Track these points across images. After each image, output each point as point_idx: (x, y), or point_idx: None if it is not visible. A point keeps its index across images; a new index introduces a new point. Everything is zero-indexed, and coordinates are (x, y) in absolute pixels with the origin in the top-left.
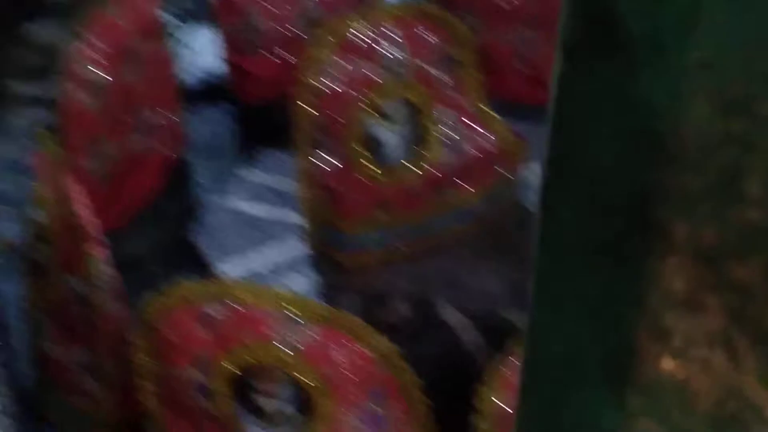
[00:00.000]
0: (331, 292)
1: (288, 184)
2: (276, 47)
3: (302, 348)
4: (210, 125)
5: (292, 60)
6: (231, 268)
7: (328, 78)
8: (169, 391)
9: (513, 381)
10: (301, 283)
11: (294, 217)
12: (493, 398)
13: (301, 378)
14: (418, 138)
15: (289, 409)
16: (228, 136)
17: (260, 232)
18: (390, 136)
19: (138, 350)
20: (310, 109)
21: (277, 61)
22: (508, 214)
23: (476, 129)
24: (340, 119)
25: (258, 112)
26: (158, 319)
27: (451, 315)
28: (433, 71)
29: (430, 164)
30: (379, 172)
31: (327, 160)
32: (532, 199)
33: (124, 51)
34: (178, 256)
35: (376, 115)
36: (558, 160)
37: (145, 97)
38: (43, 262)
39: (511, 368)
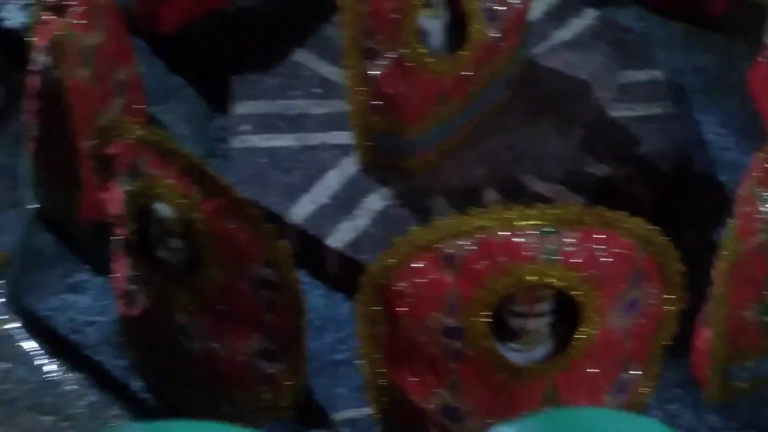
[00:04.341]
0: (414, 202)
1: (301, 106)
2: None
3: (561, 257)
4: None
5: None
6: (299, 209)
7: None
8: (403, 348)
9: None
10: (378, 202)
11: (338, 137)
12: None
13: (566, 286)
14: (460, 18)
15: (547, 325)
16: (162, 73)
17: (307, 163)
18: (433, 24)
19: (361, 316)
20: (356, 15)
21: None
22: (529, 71)
23: None
24: (393, 16)
25: (176, 41)
26: (388, 276)
27: (542, 186)
28: None
29: (477, 41)
30: (436, 62)
31: (381, 66)
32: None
33: (92, 4)
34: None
35: (421, 4)
36: None
37: (114, 54)
38: (183, 259)
39: None
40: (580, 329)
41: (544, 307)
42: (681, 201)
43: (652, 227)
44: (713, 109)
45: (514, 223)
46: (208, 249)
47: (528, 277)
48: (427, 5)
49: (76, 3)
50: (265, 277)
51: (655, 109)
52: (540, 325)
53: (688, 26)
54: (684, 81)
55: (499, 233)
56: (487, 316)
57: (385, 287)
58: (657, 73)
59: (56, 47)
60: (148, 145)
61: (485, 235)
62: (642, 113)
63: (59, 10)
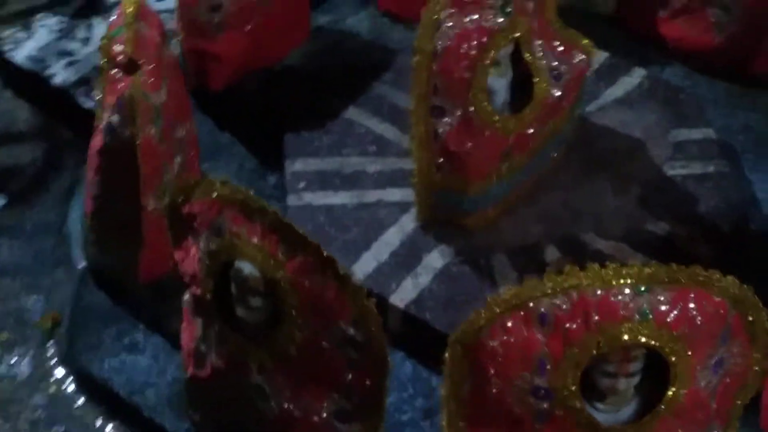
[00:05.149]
0: (475, 259)
1: (356, 163)
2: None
3: (654, 316)
4: None
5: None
6: (361, 267)
7: (446, 36)
8: (487, 407)
9: None
10: (438, 259)
11: (394, 194)
12: None
13: (658, 345)
14: (522, 76)
15: (635, 384)
16: (210, 129)
17: (365, 220)
18: (500, 82)
19: (447, 375)
20: (427, 73)
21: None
22: (583, 129)
23: (570, 51)
24: (463, 75)
25: (226, 97)
26: (479, 335)
27: (602, 243)
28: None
29: (542, 99)
30: (502, 120)
31: (448, 124)
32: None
33: (160, 62)
34: None
35: (491, 64)
36: None
37: (175, 112)
38: (263, 317)
39: None
40: (670, 388)
41: (636, 366)
42: (740, 260)
43: (743, 286)
44: (763, 168)
45: (611, 281)
46: (291, 307)
47: (624, 337)
48: (494, 64)
49: (146, 61)
50: (351, 335)
51: (710, 168)
52: (630, 384)
53: (731, 85)
54: (733, 139)
55: (594, 292)
56: (578, 376)
57: (475, 346)
58: (709, 132)
59: (128, 104)
60: (230, 203)
61: (580, 294)
62: (697, 172)
63: (130, 67)
